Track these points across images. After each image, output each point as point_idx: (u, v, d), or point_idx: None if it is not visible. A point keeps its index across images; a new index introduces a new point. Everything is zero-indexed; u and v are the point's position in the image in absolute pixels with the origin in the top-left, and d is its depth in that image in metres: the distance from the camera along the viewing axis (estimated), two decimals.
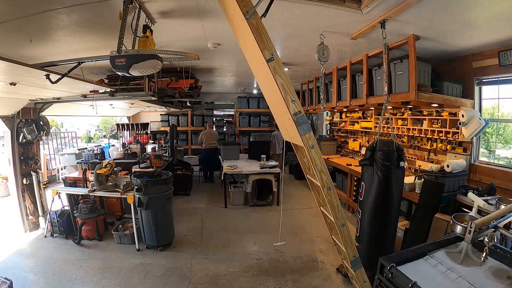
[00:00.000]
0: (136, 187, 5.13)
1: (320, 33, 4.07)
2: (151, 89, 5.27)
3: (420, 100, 4.50)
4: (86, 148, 9.18)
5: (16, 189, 5.84)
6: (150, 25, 3.50)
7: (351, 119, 8.97)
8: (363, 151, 7.97)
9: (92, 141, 18.50)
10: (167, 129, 10.95)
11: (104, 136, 19.08)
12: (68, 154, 9.95)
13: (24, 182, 5.90)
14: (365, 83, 5.58)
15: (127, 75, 3.21)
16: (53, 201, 5.71)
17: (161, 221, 5.22)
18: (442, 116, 5.26)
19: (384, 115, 4.33)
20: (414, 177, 5.12)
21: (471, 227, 2.42)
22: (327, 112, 11.04)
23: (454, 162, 4.72)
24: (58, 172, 10.40)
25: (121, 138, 10.18)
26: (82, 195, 5.70)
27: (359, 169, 5.46)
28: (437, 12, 3.36)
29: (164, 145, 10.36)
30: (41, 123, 6.04)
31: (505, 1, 3.00)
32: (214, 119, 12.93)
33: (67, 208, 5.88)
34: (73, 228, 5.60)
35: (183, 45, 4.90)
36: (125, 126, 9.97)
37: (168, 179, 5.38)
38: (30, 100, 5.66)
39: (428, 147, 5.70)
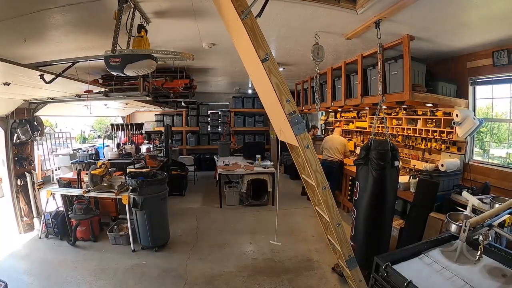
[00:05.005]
0: (131, 187, 5.11)
1: (315, 33, 4.07)
2: (145, 89, 5.24)
3: (415, 100, 4.52)
4: (80, 149, 9.11)
5: (11, 190, 5.80)
6: (145, 25, 3.49)
7: (346, 119, 9.01)
8: (357, 151, 7.98)
9: (86, 141, 18.38)
10: (162, 129, 10.91)
11: (99, 137, 18.94)
12: (63, 154, 9.86)
13: (19, 183, 5.86)
14: (359, 83, 5.59)
15: (122, 75, 3.20)
16: (47, 202, 5.67)
17: (156, 221, 5.20)
18: (437, 115, 5.29)
19: (378, 115, 4.35)
20: (408, 176, 5.15)
21: (465, 226, 2.44)
22: (322, 112, 11.08)
23: (449, 161, 4.75)
24: (52, 173, 10.31)
25: (115, 139, 10.11)
26: (76, 196, 5.67)
27: (354, 168, 5.48)
28: (431, 12, 3.38)
29: (159, 145, 10.32)
30: (35, 123, 6.00)
31: (499, 1, 3.02)
32: (208, 118, 12.92)
33: (61, 209, 5.84)
34: (68, 229, 5.56)
35: (178, 45, 4.88)
36: (120, 127, 9.92)
37: (163, 180, 5.37)
38: (24, 100, 5.61)
39: (423, 147, 5.73)
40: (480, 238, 2.33)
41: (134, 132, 9.97)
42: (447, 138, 5.09)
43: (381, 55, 4.36)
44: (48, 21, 3.37)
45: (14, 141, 5.69)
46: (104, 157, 8.49)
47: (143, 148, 9.33)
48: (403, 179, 5.03)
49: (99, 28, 3.73)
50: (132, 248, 5.25)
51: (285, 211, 7.43)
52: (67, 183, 6.19)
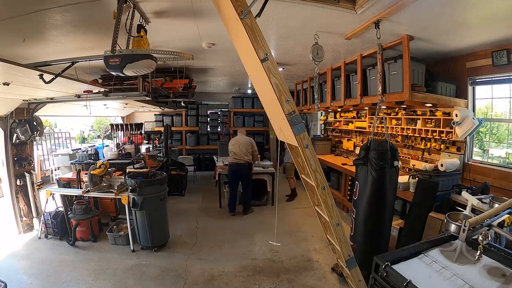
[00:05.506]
0: (130, 187, 5.11)
1: (314, 33, 4.07)
2: (145, 89, 5.24)
3: (414, 100, 4.52)
4: (80, 149, 9.12)
5: (10, 190, 5.80)
6: (144, 25, 3.49)
7: (345, 119, 9.00)
8: (357, 151, 7.99)
9: (86, 141, 18.39)
10: (161, 129, 10.92)
11: (98, 137, 18.95)
12: (62, 154, 9.85)
13: (18, 183, 5.86)
14: (359, 83, 5.59)
15: (121, 75, 3.19)
16: (47, 202, 5.68)
17: (155, 221, 5.20)
18: (436, 115, 5.29)
19: (378, 115, 4.35)
20: (408, 176, 5.15)
21: (465, 226, 2.44)
22: (321, 112, 11.07)
23: (448, 161, 4.75)
24: (52, 173, 10.31)
25: (115, 139, 10.12)
26: (76, 196, 5.67)
27: (353, 168, 5.48)
28: (431, 12, 3.38)
29: (158, 145, 10.32)
30: (35, 123, 6.00)
31: (498, 1, 3.02)
32: (208, 118, 12.94)
33: (61, 209, 5.84)
34: (67, 230, 5.56)
35: (178, 45, 4.88)
36: (119, 127, 9.92)
37: (162, 180, 5.37)
38: (23, 100, 5.62)
39: (422, 147, 5.73)
40: (480, 238, 2.33)
41: (133, 132, 9.97)
42: (446, 138, 5.09)
43: (380, 55, 4.36)
44: (48, 21, 3.37)
45: (13, 141, 5.69)
46: (104, 157, 8.50)
47: (143, 148, 9.34)
48: (402, 179, 5.03)
49: (99, 28, 3.73)
50: (132, 248, 5.25)
51: (285, 211, 7.44)
52: (67, 183, 6.19)
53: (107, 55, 3.01)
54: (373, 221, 4.02)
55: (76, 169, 7.35)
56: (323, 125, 11.07)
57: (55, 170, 10.07)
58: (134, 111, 12.32)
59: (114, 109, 10.19)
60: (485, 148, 5.26)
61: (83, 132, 19.30)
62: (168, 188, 5.64)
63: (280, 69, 7.00)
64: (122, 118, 12.41)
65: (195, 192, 9.28)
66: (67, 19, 3.37)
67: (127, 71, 3.09)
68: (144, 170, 5.94)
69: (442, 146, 5.27)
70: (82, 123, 19.52)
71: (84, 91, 5.16)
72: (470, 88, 4.95)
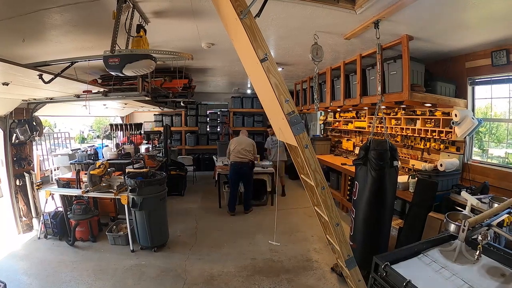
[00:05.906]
0: (130, 187, 5.10)
1: (314, 33, 4.07)
2: (144, 89, 5.24)
3: (414, 100, 4.52)
4: (79, 149, 9.09)
5: (9, 190, 5.79)
6: (143, 25, 3.49)
7: (344, 119, 9.00)
8: (356, 151, 7.99)
9: (85, 141, 18.40)
10: (161, 129, 10.91)
11: (98, 137, 18.96)
12: (62, 155, 9.86)
13: (17, 183, 5.85)
14: (359, 83, 5.60)
15: (121, 75, 3.19)
16: (46, 202, 5.67)
17: (155, 221, 5.20)
18: (435, 115, 5.29)
19: (377, 115, 4.36)
20: (407, 176, 5.15)
21: (464, 226, 2.44)
22: (321, 112, 11.07)
23: (448, 161, 4.75)
24: (51, 173, 10.32)
25: (114, 139, 10.11)
26: (75, 196, 5.66)
27: (353, 168, 5.46)
28: (430, 12, 3.38)
29: (158, 145, 10.31)
30: (34, 123, 6.00)
31: (497, 1, 3.02)
32: (207, 118, 12.93)
33: (60, 209, 5.84)
34: (67, 230, 5.56)
35: (177, 45, 4.88)
36: (119, 127, 9.91)
37: (162, 180, 5.37)
38: (23, 100, 5.61)
39: (422, 147, 5.74)
40: (479, 237, 2.33)
41: (133, 132, 9.96)
42: (446, 138, 5.10)
43: (380, 55, 4.36)
44: (47, 21, 3.37)
45: (13, 141, 5.68)
46: (103, 157, 8.48)
47: (142, 148, 9.32)
48: (402, 179, 5.03)
49: (98, 28, 3.73)
50: (131, 248, 5.24)
51: (285, 211, 7.43)
52: (66, 183, 6.18)
53: (106, 55, 3.01)
54: (373, 221, 4.02)
55: (75, 169, 7.33)
56: (322, 125, 11.07)
57: (55, 170, 10.07)
58: (134, 111, 12.31)
59: (114, 109, 10.18)
60: (484, 148, 5.27)
61: (83, 132, 19.32)
62: (168, 188, 5.64)
63: (280, 69, 7.00)
64: (122, 118, 12.40)
65: (195, 192, 9.27)
66: (66, 19, 3.37)
67: (127, 71, 3.09)
68: (144, 170, 5.94)
69: (442, 146, 5.28)
70: (82, 123, 19.55)
71: (84, 91, 5.15)
72: (469, 88, 4.96)
